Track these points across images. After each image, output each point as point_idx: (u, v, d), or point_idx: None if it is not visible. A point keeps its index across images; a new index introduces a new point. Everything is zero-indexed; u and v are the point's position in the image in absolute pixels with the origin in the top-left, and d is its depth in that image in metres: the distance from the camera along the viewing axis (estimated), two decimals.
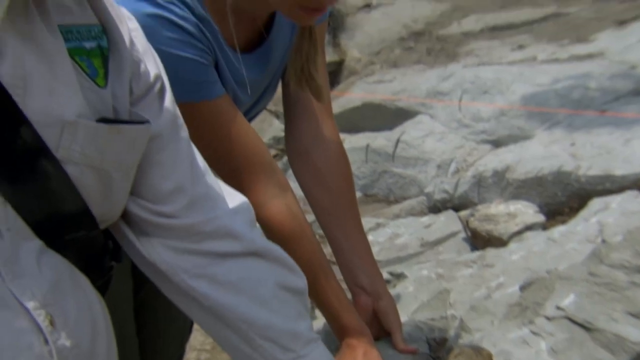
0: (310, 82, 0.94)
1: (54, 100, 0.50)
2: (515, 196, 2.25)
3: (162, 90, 0.64)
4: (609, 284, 1.00)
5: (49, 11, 0.51)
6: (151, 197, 0.62)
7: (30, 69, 0.48)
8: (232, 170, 0.89)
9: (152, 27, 0.76)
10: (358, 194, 3.02)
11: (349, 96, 3.51)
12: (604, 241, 1.33)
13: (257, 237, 0.70)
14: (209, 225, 0.65)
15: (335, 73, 4.09)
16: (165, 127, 0.63)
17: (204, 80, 0.83)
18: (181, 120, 0.67)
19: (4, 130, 0.47)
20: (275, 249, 0.71)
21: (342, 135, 3.45)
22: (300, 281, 0.72)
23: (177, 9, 0.79)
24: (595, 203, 1.76)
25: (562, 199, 2.07)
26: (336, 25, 4.30)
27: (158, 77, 0.63)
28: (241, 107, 0.97)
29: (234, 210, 0.68)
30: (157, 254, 0.64)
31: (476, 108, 2.88)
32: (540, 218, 2.02)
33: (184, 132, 0.67)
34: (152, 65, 0.63)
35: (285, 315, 0.68)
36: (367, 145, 3.11)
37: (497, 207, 2.15)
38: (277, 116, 3.68)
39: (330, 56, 4.05)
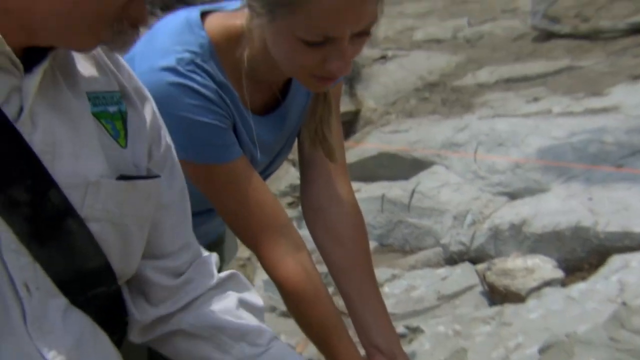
0: (324, 143, 0.97)
1: (80, 163, 0.54)
2: (533, 250, 2.23)
3: (173, 161, 0.69)
4: (630, 350, 0.98)
5: (78, 81, 0.56)
6: (159, 254, 0.67)
7: (59, 136, 0.52)
8: (248, 229, 0.91)
9: (174, 96, 0.81)
10: (373, 244, 3.01)
11: (364, 146, 3.56)
12: (624, 303, 1.31)
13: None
14: (198, 272, 0.71)
15: (352, 123, 4.16)
16: (176, 195, 0.69)
17: (222, 143, 0.86)
18: (185, 184, 0.72)
19: (35, 194, 0.50)
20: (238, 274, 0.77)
21: (358, 185, 3.47)
22: (259, 300, 0.77)
23: (198, 77, 0.83)
24: (615, 260, 1.74)
25: (581, 255, 2.04)
26: (353, 76, 4.40)
27: (171, 148, 0.69)
28: (258, 166, 1.00)
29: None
30: (147, 316, 0.67)
31: (492, 160, 2.89)
32: (559, 274, 1.99)
33: (187, 194, 0.72)
34: (167, 136, 0.69)
35: (251, 318, 0.73)
36: (383, 195, 3.13)
37: (515, 261, 2.13)
38: (293, 164, 3.74)
39: (346, 106, 4.13)
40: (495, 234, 2.45)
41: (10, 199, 0.48)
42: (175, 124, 0.80)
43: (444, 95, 4.16)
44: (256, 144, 0.94)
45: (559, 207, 2.23)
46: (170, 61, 0.81)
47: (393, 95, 4.31)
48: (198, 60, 0.83)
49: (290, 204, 3.63)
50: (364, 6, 0.73)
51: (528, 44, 4.79)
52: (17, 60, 0.48)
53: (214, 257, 0.75)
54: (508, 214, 2.46)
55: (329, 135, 0.96)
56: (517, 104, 3.55)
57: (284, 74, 0.91)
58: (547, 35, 4.68)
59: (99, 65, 0.61)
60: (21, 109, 0.49)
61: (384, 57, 4.80)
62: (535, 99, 3.54)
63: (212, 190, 0.89)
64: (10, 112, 0.48)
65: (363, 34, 0.78)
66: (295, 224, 3.20)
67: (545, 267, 2.03)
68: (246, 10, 0.81)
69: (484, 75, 4.31)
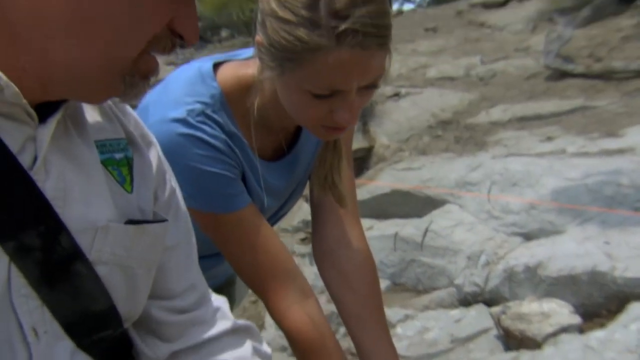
0: (334, 190, 0.98)
1: (89, 208, 0.55)
2: (549, 294, 2.19)
3: (179, 204, 0.71)
4: None
5: (87, 130, 0.58)
6: (166, 296, 0.68)
7: (70, 182, 0.54)
8: (255, 277, 0.92)
9: (183, 146, 0.83)
10: (386, 283, 2.98)
11: (377, 184, 3.56)
12: None
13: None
14: (209, 313, 0.71)
15: (365, 159, 4.18)
16: (181, 237, 0.70)
17: (230, 193, 0.87)
18: (191, 226, 0.73)
19: (47, 239, 0.51)
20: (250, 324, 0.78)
21: (371, 222, 3.46)
22: (269, 350, 0.78)
23: (208, 128, 0.85)
24: (635, 308, 1.70)
25: (599, 300, 2.00)
26: (366, 113, 4.45)
27: (175, 191, 0.71)
28: (268, 211, 1.01)
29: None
30: (161, 352, 0.68)
31: (506, 200, 2.87)
32: (576, 319, 1.95)
33: (193, 235, 0.73)
34: (173, 180, 0.71)
35: None
36: (396, 234, 3.11)
37: (530, 305, 2.09)
38: (306, 200, 3.75)
39: (359, 143, 4.16)
40: (510, 275, 2.41)
41: (22, 245, 0.49)
42: (184, 174, 0.82)
43: (457, 133, 4.18)
44: (263, 190, 0.96)
45: (575, 250, 2.20)
46: (181, 112, 0.83)
47: (406, 133, 4.34)
48: (208, 111, 0.85)
49: (303, 240, 3.63)
50: (370, 61, 0.75)
51: (541, 82, 4.82)
52: (33, 112, 0.51)
53: (225, 301, 0.76)
54: (523, 255, 2.43)
55: (339, 181, 0.97)
56: (531, 143, 3.55)
57: (294, 121, 0.93)
58: (561, 75, 4.71)
59: (105, 112, 0.63)
60: (35, 158, 0.51)
61: (397, 95, 4.85)
62: (549, 138, 3.54)
63: (220, 238, 0.91)
64: (25, 160, 0.50)
65: (370, 86, 0.79)
66: (307, 260, 3.19)
67: (562, 312, 1.99)
68: (257, 60, 0.83)
69: (498, 113, 4.33)
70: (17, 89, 0.48)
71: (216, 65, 0.91)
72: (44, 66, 0.49)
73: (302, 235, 3.67)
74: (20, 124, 0.50)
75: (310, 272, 3.17)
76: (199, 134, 0.83)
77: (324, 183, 0.98)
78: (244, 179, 0.92)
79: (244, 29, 9.14)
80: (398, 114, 4.57)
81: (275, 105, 0.86)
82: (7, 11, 0.46)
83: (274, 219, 1.10)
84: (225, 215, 0.87)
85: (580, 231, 2.37)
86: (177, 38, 0.54)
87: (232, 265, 0.95)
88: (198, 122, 0.84)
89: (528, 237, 2.68)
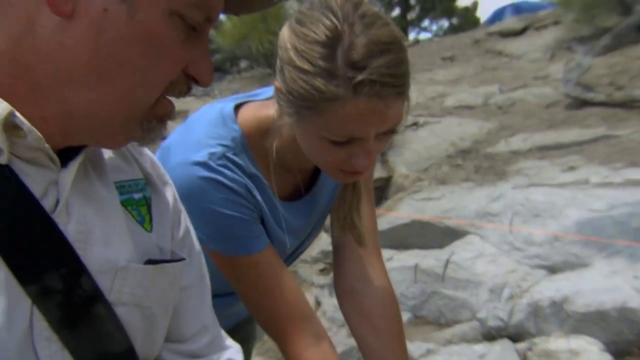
0: (353, 230, 0.98)
1: (110, 249, 0.55)
2: (576, 330, 2.13)
3: (192, 243, 0.71)
4: None
5: (106, 172, 0.60)
6: (178, 338, 0.67)
7: (91, 224, 0.54)
8: (270, 320, 0.92)
9: (205, 189, 0.84)
10: (407, 315, 2.92)
11: (397, 214, 3.54)
12: None
13: None
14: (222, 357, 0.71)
15: (383, 189, 4.16)
16: (195, 278, 0.70)
17: (248, 235, 0.88)
18: (205, 268, 0.73)
19: (68, 281, 0.51)
20: None
21: (390, 252, 3.43)
22: None
23: (228, 172, 0.85)
24: None
25: (630, 338, 1.94)
26: None
27: (190, 231, 0.71)
28: (288, 249, 1.01)
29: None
30: None
31: (528, 232, 2.83)
32: (607, 358, 1.89)
33: (207, 276, 0.73)
34: (187, 220, 0.71)
35: None
36: (416, 265, 3.07)
37: (558, 342, 2.03)
38: (325, 230, 3.74)
39: (378, 172, 4.15)
40: (535, 310, 2.35)
41: (45, 287, 0.50)
42: (204, 216, 0.84)
43: (476, 162, 4.15)
44: (284, 230, 0.96)
45: (603, 284, 2.14)
46: (203, 156, 0.85)
47: (425, 162, 4.32)
48: (230, 154, 0.86)
49: (322, 271, 3.60)
50: (388, 110, 0.75)
51: (561, 111, 4.78)
52: (55, 157, 0.52)
53: (239, 351, 0.75)
54: (548, 289, 2.37)
55: (358, 222, 0.97)
56: (553, 172, 3.50)
57: (313, 163, 0.94)
58: (581, 103, 4.67)
59: (122, 154, 0.65)
60: (57, 201, 0.52)
61: (415, 124, 4.86)
62: (571, 168, 3.49)
63: (236, 280, 0.91)
64: (47, 204, 0.51)
65: (389, 132, 0.79)
66: (326, 291, 3.16)
67: (591, 349, 1.93)
68: (276, 102, 0.84)
69: (517, 142, 4.29)
70: (39, 134, 0.49)
71: (237, 107, 0.92)
72: (64, 113, 0.50)
73: (321, 266, 3.65)
74: (43, 169, 0.51)
75: (329, 303, 3.14)
76: (219, 177, 0.84)
77: (344, 223, 0.98)
78: (262, 221, 0.93)
79: (262, 61, 9.29)
80: (417, 143, 4.57)
81: (293, 148, 0.87)
82: (29, 59, 0.47)
83: (293, 255, 1.10)
84: (242, 257, 0.88)
85: (607, 265, 2.31)
86: (192, 81, 0.55)
87: (247, 307, 0.95)
88: (219, 165, 0.85)
89: (552, 270, 2.62)
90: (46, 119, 0.50)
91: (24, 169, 0.50)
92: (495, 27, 9.10)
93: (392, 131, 0.79)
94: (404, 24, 17.10)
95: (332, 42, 0.72)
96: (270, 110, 0.88)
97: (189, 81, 0.55)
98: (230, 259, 0.89)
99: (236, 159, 0.87)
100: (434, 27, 18.11)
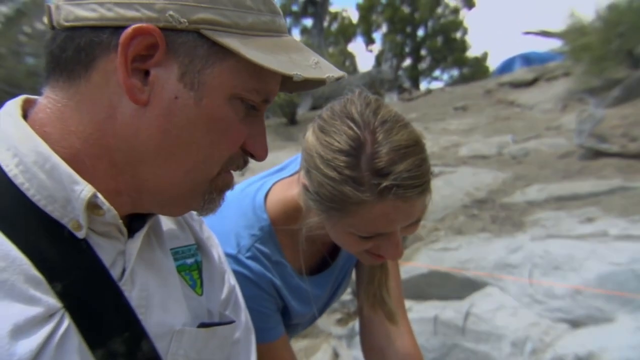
0: (383, 306, 1.00)
1: (167, 314, 0.59)
2: None
3: (237, 299, 0.75)
4: None
5: (164, 240, 0.64)
6: None
7: (152, 290, 0.58)
8: None
9: None
10: None
11: (414, 265, 3.54)
12: None
13: None
14: None
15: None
16: (243, 331, 0.73)
17: (264, 327, 0.91)
18: (251, 322, 0.77)
19: (130, 345, 0.55)
20: None
21: (409, 303, 3.41)
22: None
23: (255, 266, 0.90)
24: None
25: None
26: None
27: (234, 287, 0.75)
28: (307, 315, 1.05)
29: None
30: None
31: (549, 285, 2.82)
32: None
33: (253, 331, 0.77)
34: (232, 277, 0.75)
35: None
36: (436, 317, 3.05)
37: None
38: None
39: None
40: None
41: (110, 351, 0.53)
42: None
43: (492, 213, 4.17)
44: (312, 304, 1.00)
45: (629, 340, 2.12)
46: (233, 247, 0.90)
47: (441, 212, 4.35)
48: (257, 244, 0.91)
49: (339, 321, 3.58)
50: (412, 209, 0.78)
51: (575, 162, 4.83)
52: (124, 230, 0.56)
53: None
54: (572, 344, 2.35)
55: (388, 298, 1.00)
56: (571, 224, 3.50)
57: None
58: (595, 154, 4.72)
59: (177, 220, 0.69)
60: (123, 270, 0.56)
61: (430, 174, 4.91)
62: (589, 220, 3.49)
63: None
64: (115, 273, 0.55)
65: (414, 222, 0.83)
66: (344, 342, 3.13)
67: None
68: (301, 177, 0.88)
69: (533, 192, 4.32)
70: (116, 212, 0.54)
71: (268, 191, 0.97)
72: (135, 187, 0.55)
73: (338, 315, 3.62)
74: (114, 241, 0.56)
75: (348, 354, 3.11)
76: (247, 273, 0.90)
77: (374, 300, 1.01)
78: (284, 305, 0.98)
79: (278, 111, 9.51)
80: (432, 193, 4.60)
81: (320, 230, 0.90)
82: (108, 139, 0.53)
83: (321, 311, 1.13)
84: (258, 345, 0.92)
85: (632, 320, 2.29)
86: (249, 156, 0.60)
87: None
88: (247, 258, 0.90)
89: (575, 324, 2.60)
90: (120, 193, 0.55)
91: (97, 242, 0.54)
92: (507, 78, 9.28)
93: (417, 222, 0.83)
94: (416, 74, 17.45)
95: (356, 151, 0.76)
96: (295, 189, 0.92)
97: (246, 156, 0.60)
98: None
99: (263, 248, 0.92)
100: (445, 77, 18.47)
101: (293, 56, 0.55)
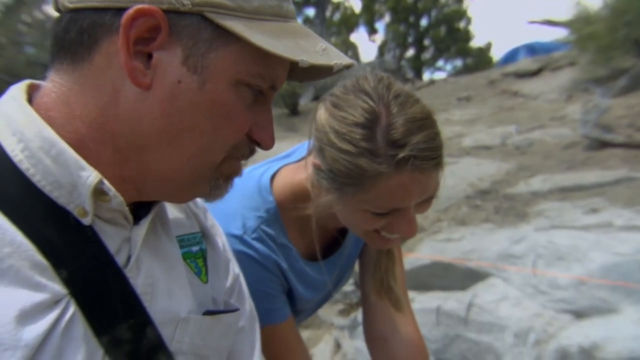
0: (390, 293, 1.00)
1: (172, 301, 0.58)
2: None
3: (242, 288, 0.74)
4: None
5: (169, 227, 0.63)
6: None
7: (156, 277, 0.57)
8: None
9: (237, 261, 0.87)
10: (430, 359, 2.88)
11: (417, 256, 3.52)
12: None
13: None
14: None
15: None
16: (247, 320, 0.73)
17: (270, 308, 0.91)
18: (255, 311, 0.76)
19: (136, 331, 0.54)
20: None
21: (412, 294, 3.41)
22: None
23: (260, 247, 0.89)
24: None
25: None
26: None
27: (239, 276, 0.74)
28: (310, 301, 1.03)
29: None
30: None
31: (553, 275, 2.80)
32: None
33: (257, 320, 0.76)
34: (236, 266, 0.74)
35: None
36: (438, 307, 3.04)
37: None
38: None
39: None
40: (563, 356, 2.31)
41: (115, 338, 0.53)
42: None
43: (496, 203, 4.14)
44: (315, 286, 0.99)
45: (633, 331, 2.10)
46: (238, 228, 0.89)
47: (444, 203, 4.33)
48: (263, 226, 0.90)
49: (341, 312, 3.57)
50: (428, 181, 0.78)
51: (580, 152, 4.79)
52: (130, 216, 0.56)
53: None
54: (576, 334, 2.33)
55: (394, 285, 0.99)
56: (575, 215, 3.48)
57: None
58: (600, 144, 4.68)
59: (182, 208, 0.68)
60: (129, 257, 0.55)
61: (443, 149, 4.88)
62: (594, 210, 3.47)
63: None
64: (121, 260, 0.55)
65: (428, 199, 0.82)
66: (346, 333, 3.13)
67: None
68: (310, 159, 0.87)
69: (537, 183, 4.29)
70: (122, 198, 0.53)
71: (273, 175, 0.96)
72: (140, 173, 0.55)
73: (340, 306, 3.62)
74: (119, 227, 0.55)
75: (350, 345, 3.10)
76: (252, 253, 0.89)
77: (380, 287, 1.00)
78: (289, 288, 0.97)
79: (280, 102, 9.50)
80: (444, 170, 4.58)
81: (328, 213, 0.90)
82: (113, 126, 0.52)
83: (324, 299, 1.12)
84: (264, 328, 0.90)
85: (636, 311, 2.27)
86: (255, 144, 0.59)
87: None
88: (253, 239, 0.89)
89: (579, 314, 2.58)
90: (125, 179, 0.54)
91: (103, 228, 0.54)
92: (511, 68, 9.22)
93: (431, 198, 0.82)
94: (419, 64, 17.37)
95: (371, 123, 0.76)
96: (303, 173, 0.92)
97: (252, 144, 0.59)
98: None
99: (269, 230, 0.91)
100: (448, 67, 18.38)
101: (300, 42, 0.54)
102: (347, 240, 1.03)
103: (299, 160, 0.97)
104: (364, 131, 0.76)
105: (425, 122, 0.76)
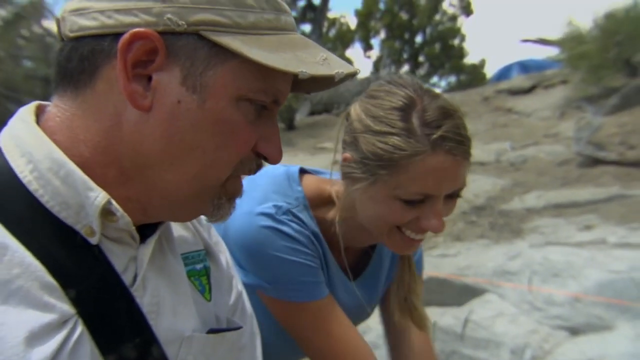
0: (414, 312, 0.98)
1: (177, 319, 0.59)
2: None
3: (244, 305, 0.74)
4: None
5: (174, 245, 0.63)
6: None
7: (163, 295, 0.58)
8: None
9: (269, 237, 0.86)
10: None
11: None
12: None
13: None
14: None
15: None
16: (247, 340, 0.72)
17: (311, 281, 0.89)
18: (257, 328, 0.75)
19: (140, 350, 0.54)
20: None
21: None
22: None
23: (293, 224, 0.88)
24: None
25: None
26: None
27: (242, 293, 0.74)
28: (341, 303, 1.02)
29: None
30: None
31: (548, 292, 2.82)
32: None
33: (258, 336, 0.75)
34: (239, 284, 0.74)
35: None
36: (434, 323, 3.04)
37: None
38: None
39: None
40: None
41: (122, 357, 0.53)
42: (267, 264, 0.86)
43: (491, 219, 4.17)
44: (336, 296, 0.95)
45: (629, 349, 2.12)
46: (268, 208, 0.88)
47: None
48: (294, 210, 0.89)
49: None
50: (459, 169, 0.80)
51: (573, 169, 4.84)
52: (137, 236, 0.56)
53: None
54: (571, 351, 2.35)
55: (418, 303, 0.98)
56: (569, 231, 3.51)
57: (368, 241, 0.95)
58: (593, 161, 4.73)
59: (186, 225, 0.69)
60: (135, 275, 0.56)
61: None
62: (588, 227, 3.50)
63: (299, 327, 0.91)
64: (127, 279, 0.55)
65: (455, 195, 0.84)
66: None
67: None
68: (339, 180, 0.88)
69: (532, 199, 4.33)
70: (129, 218, 0.54)
71: (301, 171, 0.97)
72: (144, 193, 0.55)
73: None
74: (126, 247, 0.56)
75: None
76: (284, 228, 0.87)
77: (404, 306, 0.98)
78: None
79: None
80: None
81: (350, 224, 0.90)
82: (116, 146, 0.53)
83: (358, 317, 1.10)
84: (304, 304, 0.89)
85: (631, 328, 2.30)
86: (262, 159, 0.59)
87: (308, 353, 0.94)
88: (284, 218, 0.88)
89: (574, 331, 2.60)
90: (130, 199, 0.55)
91: (110, 248, 0.54)
92: (504, 85, 9.32)
93: (457, 195, 0.84)
94: None
95: (408, 107, 0.80)
96: (330, 187, 0.92)
97: (258, 159, 0.59)
98: (293, 306, 0.89)
99: (300, 215, 0.90)
100: (443, 83, 18.55)
101: (299, 53, 0.54)
102: (371, 266, 1.01)
103: (320, 176, 0.98)
104: (401, 113, 0.80)
105: (456, 114, 0.81)
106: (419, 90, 0.83)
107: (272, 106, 0.57)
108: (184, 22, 0.50)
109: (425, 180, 0.79)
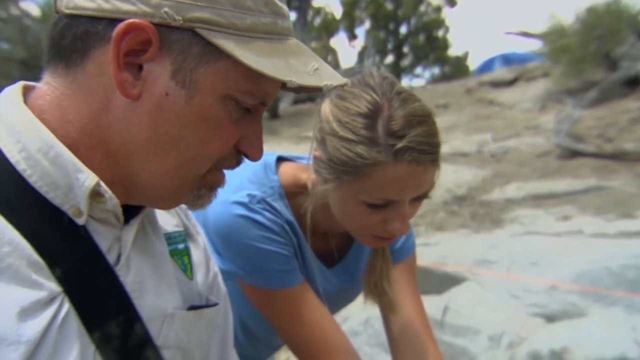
0: (383, 297, 0.98)
1: (160, 298, 0.61)
2: None
3: (219, 285, 0.76)
4: None
5: (157, 226, 0.65)
6: None
7: (145, 275, 0.59)
8: (309, 354, 0.93)
9: (243, 226, 0.87)
10: None
11: None
12: None
13: None
14: None
15: None
16: (221, 319, 0.75)
17: (284, 269, 0.90)
18: (230, 308, 0.78)
19: (125, 328, 0.56)
20: None
21: None
22: None
23: (266, 213, 0.90)
24: None
25: None
26: None
27: (217, 274, 0.76)
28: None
29: None
30: None
31: (526, 281, 2.88)
32: None
33: (231, 316, 0.78)
34: (215, 265, 0.76)
35: None
36: None
37: None
38: None
39: None
40: (535, 359, 2.38)
41: (106, 334, 0.55)
42: (242, 252, 0.88)
43: (472, 209, 4.24)
44: (319, 289, 0.98)
45: (601, 335, 2.18)
46: (243, 197, 0.89)
47: (422, 208, 4.38)
48: (269, 199, 0.90)
49: None
50: (424, 176, 0.79)
51: (553, 161, 4.93)
52: (121, 217, 0.57)
53: None
54: (547, 338, 2.41)
55: (389, 288, 0.98)
56: (547, 221, 3.59)
57: (342, 230, 0.95)
58: (572, 153, 4.82)
59: None
60: (119, 255, 0.57)
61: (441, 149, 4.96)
62: (565, 218, 3.58)
63: (274, 314, 0.93)
64: (111, 258, 0.56)
65: (421, 197, 0.83)
66: None
67: None
68: (314, 170, 0.88)
69: (512, 190, 4.40)
70: (117, 200, 0.55)
71: (279, 160, 0.97)
72: (129, 180, 0.56)
73: None
74: (110, 227, 0.57)
75: None
76: (257, 217, 0.89)
77: (374, 290, 0.99)
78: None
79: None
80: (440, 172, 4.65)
81: (325, 213, 0.91)
82: (103, 133, 0.54)
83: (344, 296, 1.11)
84: (280, 291, 0.90)
85: (605, 315, 2.37)
86: (242, 156, 0.60)
87: (285, 341, 0.96)
88: (258, 207, 0.89)
89: (550, 318, 2.67)
90: (114, 183, 0.56)
91: (95, 228, 0.55)
92: (487, 77, 9.40)
93: (424, 196, 0.84)
94: (398, 71, 17.56)
95: (373, 114, 0.79)
96: (306, 174, 0.92)
97: (239, 156, 0.60)
98: (268, 293, 0.91)
99: (275, 204, 0.91)
100: (427, 74, 18.62)
101: (291, 61, 0.55)
102: (351, 254, 1.02)
103: (298, 162, 0.98)
104: (366, 121, 0.78)
105: (425, 119, 0.79)
106: (388, 93, 0.80)
107: (258, 107, 0.58)
108: (180, 18, 0.51)
109: (388, 188, 0.79)
